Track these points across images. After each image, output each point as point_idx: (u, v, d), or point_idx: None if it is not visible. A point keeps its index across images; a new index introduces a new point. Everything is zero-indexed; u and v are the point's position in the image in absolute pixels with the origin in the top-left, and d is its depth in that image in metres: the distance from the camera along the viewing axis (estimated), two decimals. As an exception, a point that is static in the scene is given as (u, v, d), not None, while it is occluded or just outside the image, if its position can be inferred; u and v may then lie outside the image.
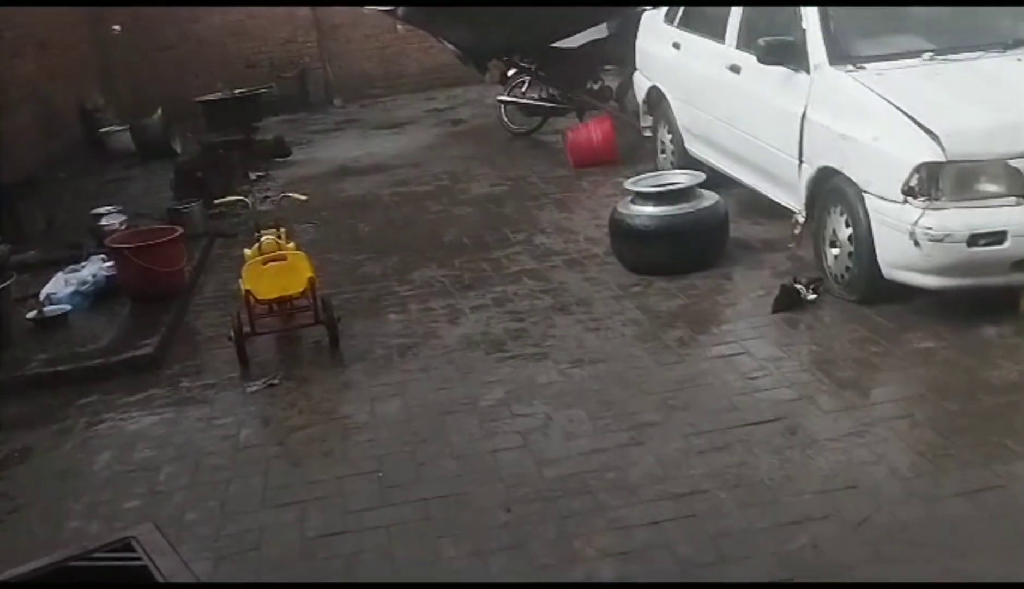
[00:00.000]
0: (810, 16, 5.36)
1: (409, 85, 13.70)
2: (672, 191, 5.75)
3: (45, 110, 10.34)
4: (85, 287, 6.06)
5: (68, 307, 5.87)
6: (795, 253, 5.61)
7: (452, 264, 6.43)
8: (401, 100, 13.30)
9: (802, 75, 5.30)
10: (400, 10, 8.92)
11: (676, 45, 7.15)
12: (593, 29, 9.09)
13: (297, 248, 5.44)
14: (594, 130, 8.68)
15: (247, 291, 5.05)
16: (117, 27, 12.29)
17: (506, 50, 9.71)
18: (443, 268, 6.38)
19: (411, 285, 6.13)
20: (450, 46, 10.16)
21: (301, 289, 5.12)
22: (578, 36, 9.04)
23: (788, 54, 5.37)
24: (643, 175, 6.16)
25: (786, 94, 5.41)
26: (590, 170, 8.34)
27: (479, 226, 7.25)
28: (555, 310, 5.41)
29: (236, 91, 10.59)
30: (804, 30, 5.35)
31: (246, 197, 8.21)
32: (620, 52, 8.80)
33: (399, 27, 12.72)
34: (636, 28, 8.01)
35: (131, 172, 10.34)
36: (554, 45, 9.12)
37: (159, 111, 10.82)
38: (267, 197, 8.47)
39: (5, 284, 5.36)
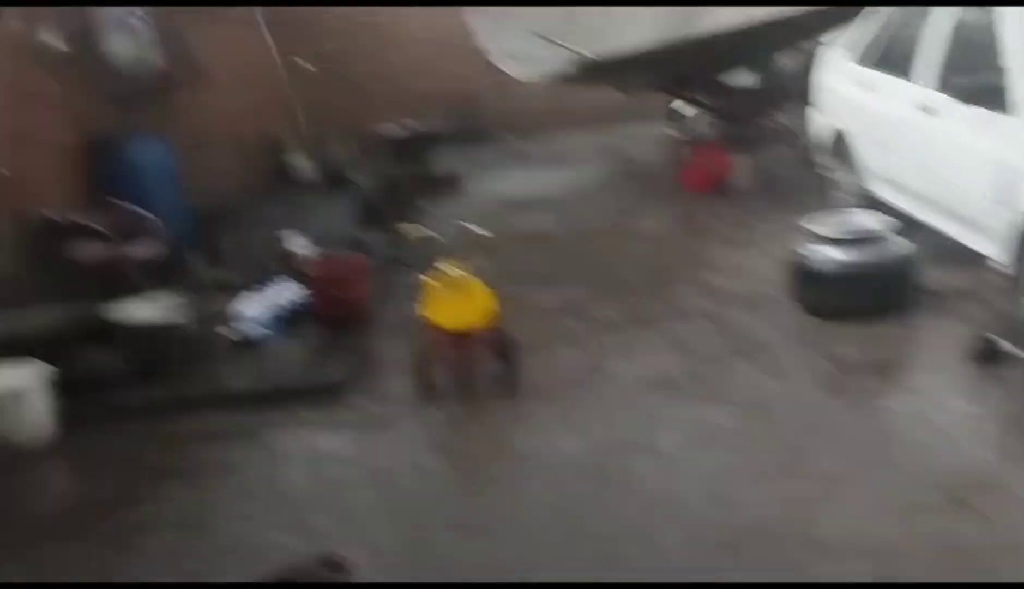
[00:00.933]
0: (1016, 55, 5.11)
1: (578, 120, 13.79)
2: (859, 234, 5.57)
3: (238, 139, 11.01)
4: (276, 310, 6.38)
5: (260, 328, 6.20)
6: (993, 304, 5.33)
7: (625, 301, 6.44)
8: (570, 135, 13.43)
9: (1006, 117, 5.05)
10: (572, 74, 8.98)
11: (860, 83, 6.96)
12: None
13: (480, 280, 5.57)
14: (709, 156, 8.92)
15: (430, 320, 5.21)
16: (305, 61, 12.96)
17: (679, 86, 9.69)
18: (616, 304, 6.39)
19: (584, 321, 6.17)
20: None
21: (483, 321, 5.23)
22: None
23: (990, 95, 5.13)
24: (823, 215, 6.00)
25: (987, 136, 5.17)
26: (763, 208, 8.18)
27: (651, 263, 7.23)
28: (733, 353, 5.33)
29: (414, 125, 10.99)
30: (1009, 69, 5.10)
31: (425, 228, 8.53)
32: (795, 89, 8.65)
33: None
34: (812, 65, 7.86)
35: (314, 200, 10.84)
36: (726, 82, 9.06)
37: (342, 142, 11.34)
38: (443, 229, 8.73)
39: (206, 303, 5.73)
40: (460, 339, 5.41)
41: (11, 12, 6.28)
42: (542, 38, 8.99)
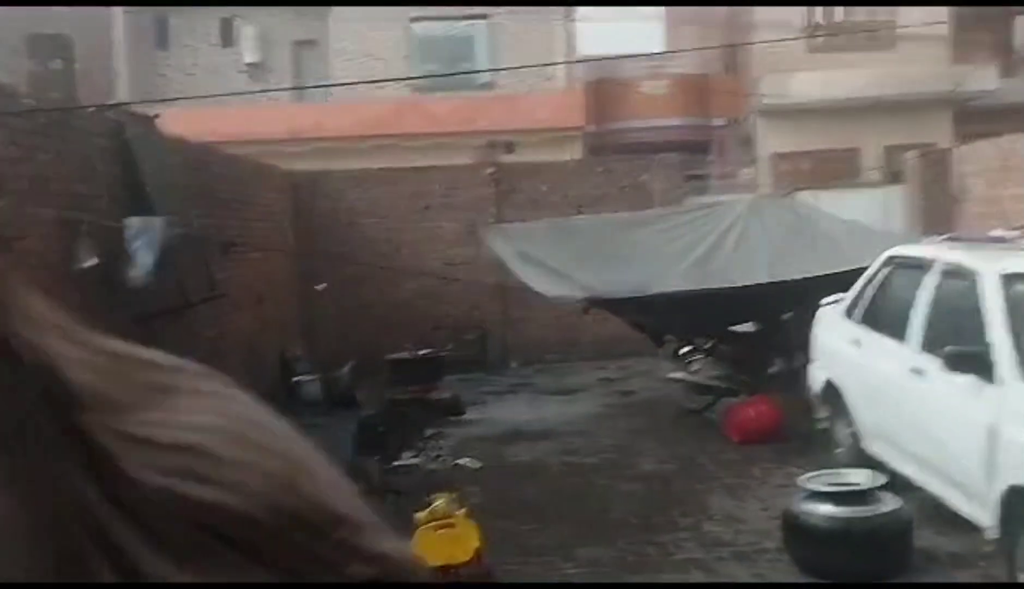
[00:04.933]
0: (997, 328, 5.30)
1: (582, 353, 14.12)
2: (852, 491, 5.58)
3: (253, 357, 11.28)
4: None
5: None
6: (987, 572, 5.25)
7: (616, 544, 6.36)
8: (574, 367, 13.68)
9: (991, 386, 5.17)
10: (585, 302, 9.45)
11: (855, 341, 7.16)
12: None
13: (468, 515, 5.55)
14: (756, 407, 8.87)
15: (415, 556, 5.15)
16: (323, 285, 13.48)
17: (686, 331, 10.03)
18: (608, 547, 6.31)
19: (575, 563, 6.09)
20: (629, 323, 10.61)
21: (467, 559, 5.18)
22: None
23: (975, 364, 5.28)
24: (818, 472, 6.03)
25: (974, 404, 5.27)
26: (762, 457, 8.21)
27: (645, 505, 7.19)
28: (722, 608, 5.22)
29: (420, 352, 11.27)
30: (991, 343, 5.28)
31: (418, 458, 8.57)
32: (796, 339, 8.89)
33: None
34: (812, 317, 8.13)
35: (317, 420, 10.92)
36: (732, 329, 9.37)
37: (349, 364, 11.59)
38: (439, 456, 8.77)
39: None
40: (444, 575, 5.34)
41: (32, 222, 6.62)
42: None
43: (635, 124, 18.61)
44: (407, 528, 5.62)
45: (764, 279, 8.88)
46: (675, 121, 18.56)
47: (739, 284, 8.80)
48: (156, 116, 8.11)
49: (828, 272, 8.35)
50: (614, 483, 7.88)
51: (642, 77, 19.18)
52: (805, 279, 8.52)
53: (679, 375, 10.18)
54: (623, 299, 9.21)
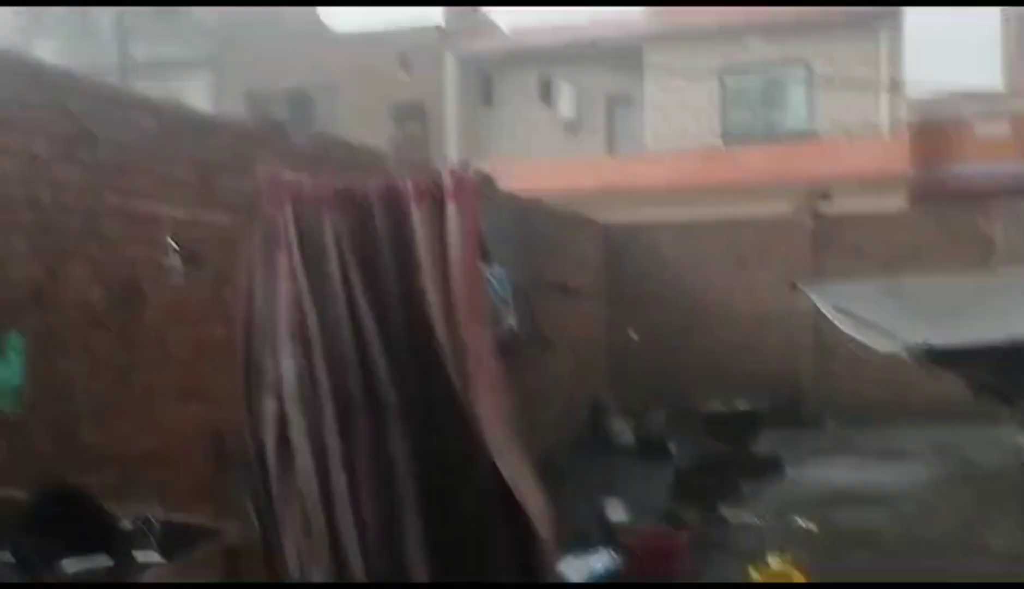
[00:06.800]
0: None
1: (913, 415, 13.08)
2: None
3: (566, 400, 11.59)
4: (592, 576, 6.39)
5: (574, 593, 6.21)
6: None
7: (972, 628, 5.76)
8: (902, 430, 12.69)
9: None
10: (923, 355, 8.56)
11: None
12: None
13: (806, 579, 5.28)
14: None
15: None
16: (636, 336, 13.58)
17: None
18: (963, 631, 5.72)
19: (924, 643, 5.57)
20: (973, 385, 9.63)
21: (810, 625, 4.92)
22: None
23: None
24: None
25: None
26: None
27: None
28: None
29: (736, 403, 10.99)
30: None
31: (747, 513, 8.32)
32: None
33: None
34: None
35: (628, 466, 10.99)
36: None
37: (661, 413, 11.54)
38: (764, 516, 8.45)
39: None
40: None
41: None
42: (849, 316, 8.61)
43: (968, 170, 17.19)
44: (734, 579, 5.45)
45: None
46: (1019, 166, 16.93)
47: None
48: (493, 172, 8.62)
49: None
50: (962, 560, 7.15)
51: (977, 117, 17.70)
52: None
53: (1031, 443, 9.13)
54: (972, 352, 8.26)
